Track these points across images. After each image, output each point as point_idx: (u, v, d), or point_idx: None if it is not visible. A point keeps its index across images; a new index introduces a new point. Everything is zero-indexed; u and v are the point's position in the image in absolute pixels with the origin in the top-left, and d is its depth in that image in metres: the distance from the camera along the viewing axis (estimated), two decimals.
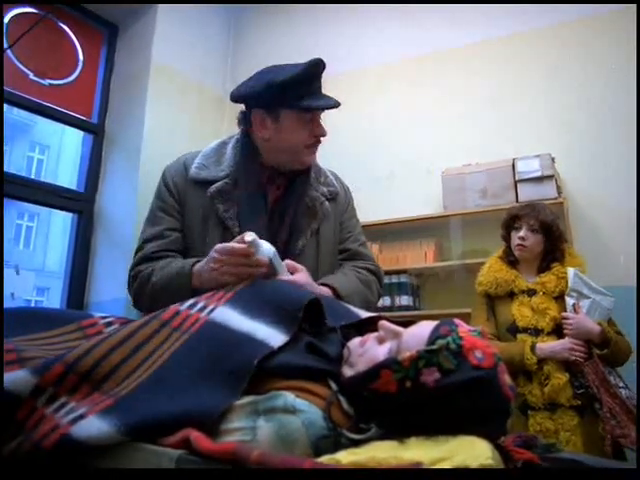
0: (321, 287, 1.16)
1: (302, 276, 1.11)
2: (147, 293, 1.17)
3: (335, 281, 1.21)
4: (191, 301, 0.86)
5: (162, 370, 0.71)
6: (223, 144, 1.32)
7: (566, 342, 1.77)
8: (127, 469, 0.61)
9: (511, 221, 1.99)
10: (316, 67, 1.19)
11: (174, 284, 1.11)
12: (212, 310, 0.82)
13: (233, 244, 1.00)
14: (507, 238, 2.01)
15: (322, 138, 1.26)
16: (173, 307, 0.84)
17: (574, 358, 1.75)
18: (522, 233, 1.92)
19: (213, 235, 1.21)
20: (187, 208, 1.25)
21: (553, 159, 2.56)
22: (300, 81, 1.17)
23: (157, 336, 0.78)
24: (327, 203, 1.32)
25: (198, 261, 1.10)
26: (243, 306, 0.82)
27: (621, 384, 1.75)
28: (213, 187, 1.23)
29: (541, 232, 1.90)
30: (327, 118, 1.27)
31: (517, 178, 2.59)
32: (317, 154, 1.31)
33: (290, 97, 1.19)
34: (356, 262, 1.35)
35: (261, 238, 1.02)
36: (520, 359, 1.76)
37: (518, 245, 1.93)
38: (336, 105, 1.21)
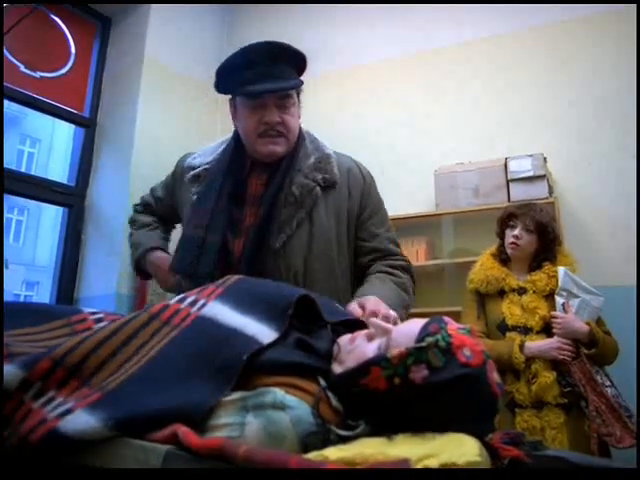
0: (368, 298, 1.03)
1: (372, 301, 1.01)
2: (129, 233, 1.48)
3: (377, 293, 1.09)
4: (181, 295, 0.86)
5: (151, 365, 0.70)
6: (227, 139, 1.36)
7: (554, 341, 1.78)
8: (116, 469, 0.60)
9: (507, 219, 2.00)
10: (253, 50, 1.15)
11: (132, 251, 1.40)
12: (202, 306, 0.81)
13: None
14: (502, 235, 2.02)
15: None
16: (163, 302, 0.84)
17: (562, 357, 1.76)
18: (516, 232, 1.93)
19: (186, 216, 1.28)
20: (180, 193, 1.36)
21: (545, 159, 2.57)
22: (238, 65, 1.15)
23: (146, 329, 0.77)
24: (318, 189, 1.23)
25: (157, 249, 1.35)
26: (233, 301, 0.82)
27: (607, 383, 1.76)
28: (191, 172, 1.30)
29: (535, 232, 1.91)
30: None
31: (509, 177, 2.60)
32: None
33: (236, 83, 1.17)
34: (388, 260, 1.29)
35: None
36: (508, 357, 1.77)
37: (511, 243, 1.94)
38: (278, 89, 1.15)
